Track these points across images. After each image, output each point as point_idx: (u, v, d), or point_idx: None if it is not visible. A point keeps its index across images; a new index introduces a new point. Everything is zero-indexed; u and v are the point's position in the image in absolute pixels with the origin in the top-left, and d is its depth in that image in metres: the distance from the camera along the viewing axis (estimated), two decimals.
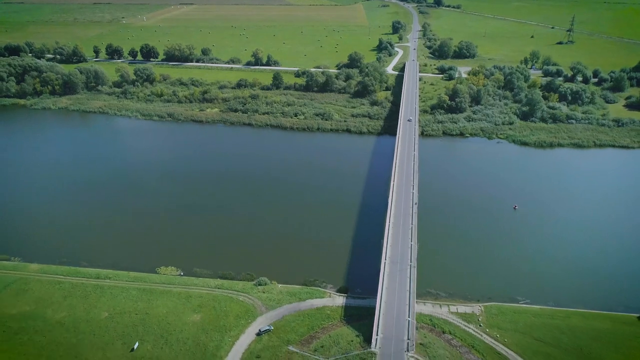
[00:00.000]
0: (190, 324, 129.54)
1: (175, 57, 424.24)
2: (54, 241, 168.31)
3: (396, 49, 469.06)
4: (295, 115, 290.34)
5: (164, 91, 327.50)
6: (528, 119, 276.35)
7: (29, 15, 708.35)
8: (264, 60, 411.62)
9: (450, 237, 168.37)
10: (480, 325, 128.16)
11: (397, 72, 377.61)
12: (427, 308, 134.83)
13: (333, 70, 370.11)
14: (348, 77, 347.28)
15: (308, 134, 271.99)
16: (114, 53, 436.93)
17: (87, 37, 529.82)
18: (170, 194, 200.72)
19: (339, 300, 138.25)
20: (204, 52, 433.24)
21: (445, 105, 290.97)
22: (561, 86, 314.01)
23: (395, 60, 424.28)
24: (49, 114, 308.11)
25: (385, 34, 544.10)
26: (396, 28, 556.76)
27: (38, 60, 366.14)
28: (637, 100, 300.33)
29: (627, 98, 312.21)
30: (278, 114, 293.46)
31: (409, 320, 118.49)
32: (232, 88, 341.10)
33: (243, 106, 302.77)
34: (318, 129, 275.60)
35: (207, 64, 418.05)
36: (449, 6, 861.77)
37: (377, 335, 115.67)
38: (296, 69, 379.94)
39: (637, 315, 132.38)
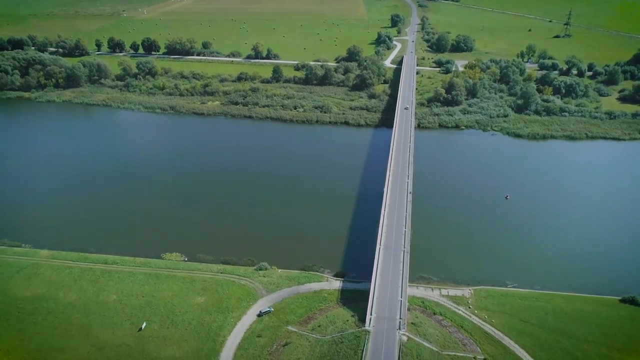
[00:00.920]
0: (195, 305, 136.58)
1: (176, 50, 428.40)
2: (63, 229, 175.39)
3: (395, 42, 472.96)
4: (295, 108, 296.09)
5: (166, 84, 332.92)
6: (522, 112, 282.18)
7: (30, 8, 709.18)
8: (264, 54, 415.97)
9: (443, 225, 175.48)
10: (469, 307, 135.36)
11: (395, 66, 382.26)
12: (419, 291, 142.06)
13: (332, 64, 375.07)
14: (347, 71, 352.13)
15: (307, 127, 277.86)
16: (115, 46, 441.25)
17: (89, 30, 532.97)
18: (173, 184, 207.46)
19: (336, 284, 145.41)
20: (205, 45, 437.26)
21: (441, 98, 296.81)
22: (556, 79, 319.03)
23: (393, 54, 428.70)
24: (54, 106, 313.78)
25: (384, 27, 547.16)
26: (395, 21, 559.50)
27: (42, 54, 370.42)
28: (630, 94, 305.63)
29: (620, 91, 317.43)
30: (278, 106, 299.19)
31: (401, 301, 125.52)
32: (233, 81, 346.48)
33: (243, 99, 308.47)
34: (317, 121, 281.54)
35: (208, 58, 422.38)
36: None
37: (370, 315, 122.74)
38: (296, 62, 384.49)
39: (619, 297, 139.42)
